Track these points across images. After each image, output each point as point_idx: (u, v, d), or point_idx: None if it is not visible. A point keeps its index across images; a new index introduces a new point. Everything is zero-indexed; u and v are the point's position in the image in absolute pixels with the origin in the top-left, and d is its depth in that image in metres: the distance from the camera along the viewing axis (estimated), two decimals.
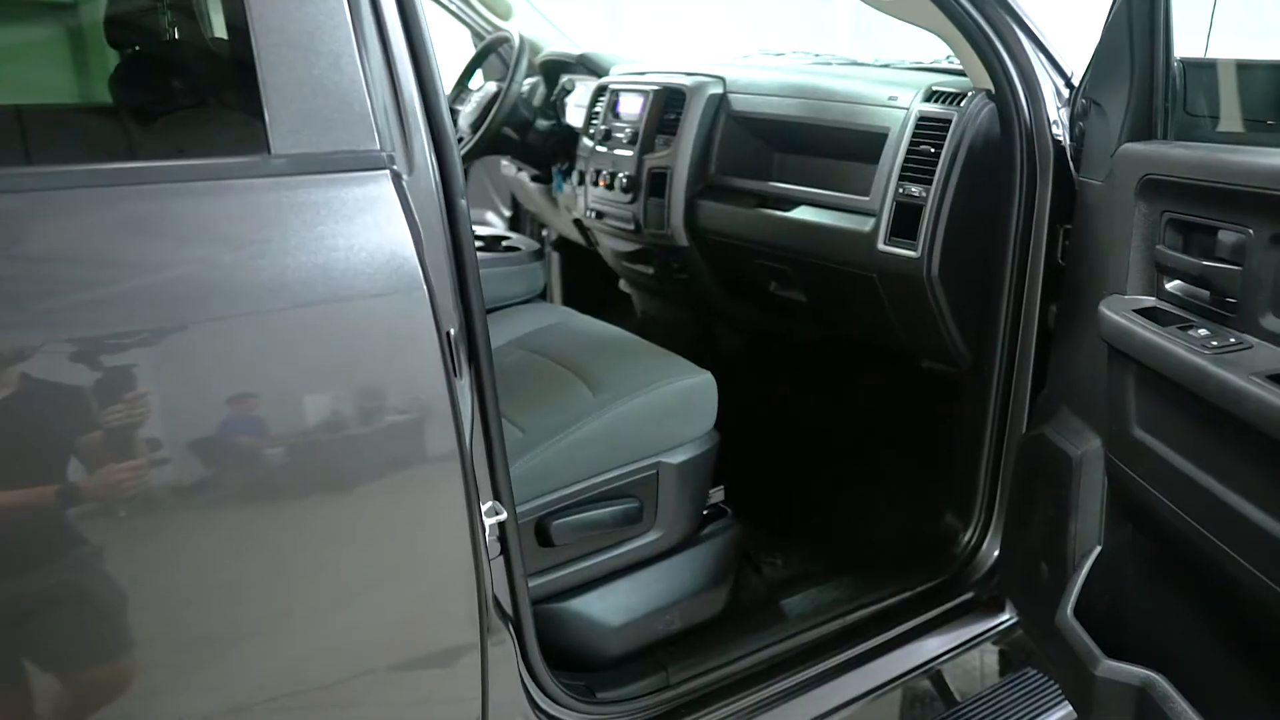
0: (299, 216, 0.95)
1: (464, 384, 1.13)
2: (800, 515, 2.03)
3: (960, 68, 1.93)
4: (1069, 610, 1.39)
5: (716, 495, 1.71)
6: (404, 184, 1.01)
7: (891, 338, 1.87)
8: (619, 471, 1.52)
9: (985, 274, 1.70)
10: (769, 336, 2.34)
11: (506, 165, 2.86)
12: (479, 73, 2.74)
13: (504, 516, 1.20)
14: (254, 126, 0.95)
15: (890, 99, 1.75)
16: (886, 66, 2.10)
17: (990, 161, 1.64)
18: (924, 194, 1.64)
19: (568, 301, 3.07)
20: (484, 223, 3.30)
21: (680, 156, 2.07)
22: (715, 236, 2.07)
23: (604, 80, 2.38)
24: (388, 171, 1.00)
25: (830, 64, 2.21)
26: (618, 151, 2.22)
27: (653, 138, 2.14)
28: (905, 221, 1.67)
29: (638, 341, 1.77)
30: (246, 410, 0.94)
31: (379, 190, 0.99)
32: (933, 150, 1.64)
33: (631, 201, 2.18)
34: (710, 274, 2.18)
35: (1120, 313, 1.31)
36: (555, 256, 3.13)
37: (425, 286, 1.01)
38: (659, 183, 2.12)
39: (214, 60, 1.46)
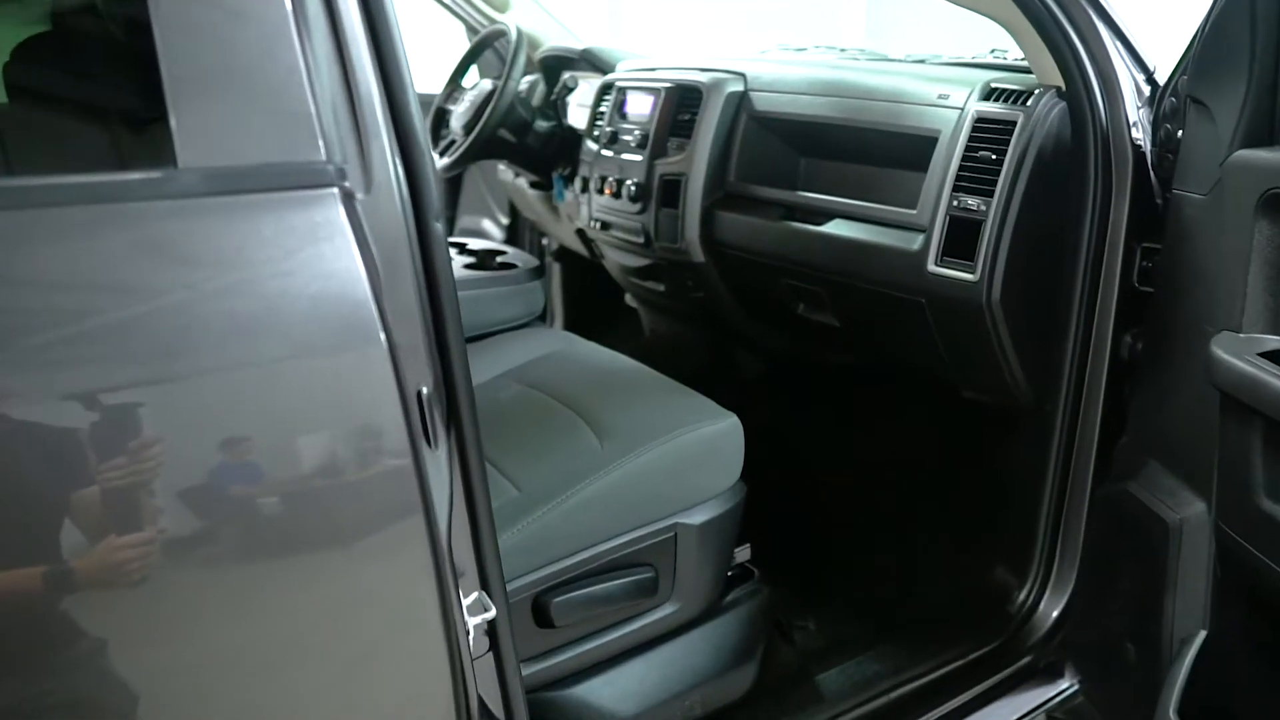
0: (213, 252, 0.70)
1: (440, 454, 0.88)
2: (833, 569, 1.78)
3: (1013, 63, 1.69)
4: (1171, 711, 1.14)
5: (742, 554, 1.46)
6: (358, 205, 0.77)
7: (937, 367, 1.62)
8: (631, 536, 1.27)
9: (1051, 299, 1.46)
10: (793, 360, 2.09)
11: (503, 170, 2.61)
12: (474, 70, 2.50)
13: (492, 614, 0.96)
14: (153, 132, 0.70)
15: (941, 97, 1.51)
16: (921, 62, 1.85)
17: (1060, 170, 1.39)
18: (983, 207, 1.40)
19: (570, 316, 2.82)
20: (479, 232, 3.05)
21: (695, 162, 1.82)
22: (735, 252, 1.82)
23: (610, 77, 2.13)
24: (335, 190, 0.75)
25: (858, 59, 1.97)
26: (625, 156, 1.97)
27: (664, 141, 1.89)
28: (961, 239, 1.43)
29: (649, 375, 1.53)
30: (137, 506, 0.69)
31: (323, 214, 0.74)
32: (994, 157, 1.39)
33: (640, 212, 1.93)
34: (729, 293, 1.93)
35: (1242, 357, 1.06)
36: (556, 268, 2.88)
37: (384, 339, 0.77)
38: (671, 191, 1.87)
39: (107, 44, 1.20)
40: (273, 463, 0.74)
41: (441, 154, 2.29)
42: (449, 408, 0.90)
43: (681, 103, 1.88)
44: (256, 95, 0.73)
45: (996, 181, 1.38)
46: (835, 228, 1.62)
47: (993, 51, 1.84)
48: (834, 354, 1.93)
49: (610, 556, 1.26)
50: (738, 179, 1.82)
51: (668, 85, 1.91)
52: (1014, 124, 1.38)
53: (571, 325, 2.87)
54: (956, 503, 1.77)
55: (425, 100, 2.60)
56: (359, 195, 0.77)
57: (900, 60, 1.93)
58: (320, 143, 0.75)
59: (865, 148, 1.65)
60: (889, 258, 1.52)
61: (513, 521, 1.19)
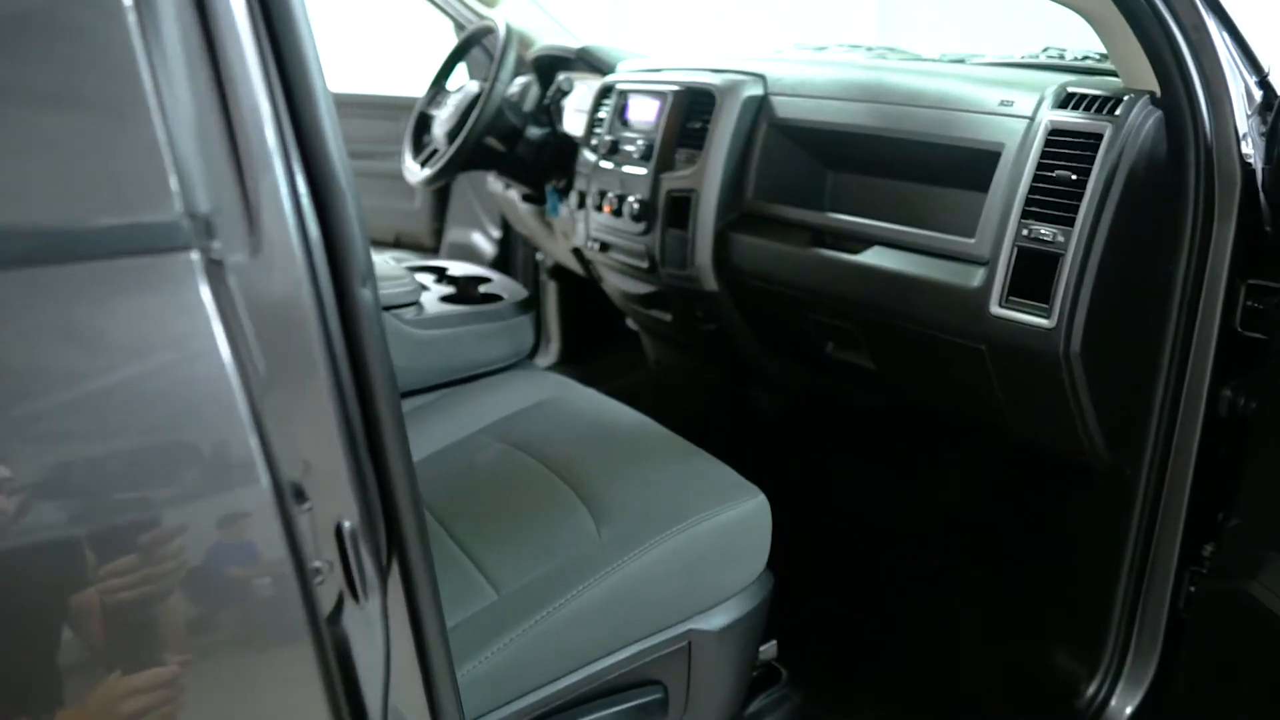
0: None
1: (372, 609, 0.63)
2: (866, 654, 1.52)
3: (1081, 63, 1.43)
4: None
5: (768, 651, 1.21)
6: (230, 275, 0.51)
7: (991, 416, 1.37)
8: (636, 649, 1.02)
9: (1138, 345, 1.20)
10: (817, 398, 1.83)
11: (493, 181, 2.35)
12: (462, 71, 2.24)
13: None
14: None
15: (1003, 104, 1.25)
16: (960, 62, 1.60)
17: (1155, 193, 1.14)
18: (1060, 238, 1.14)
19: (567, 340, 2.57)
20: (468, 247, 2.79)
21: (708, 176, 1.57)
22: (753, 281, 1.56)
23: (609, 79, 1.87)
24: (193, 255, 0.50)
25: (886, 58, 1.71)
26: (627, 169, 1.71)
27: (672, 152, 1.63)
28: (1032, 275, 1.17)
29: (658, 434, 1.27)
30: None
31: (173, 294, 0.49)
32: (1074, 177, 1.14)
33: (644, 232, 1.67)
34: (745, 326, 1.67)
35: None
36: (552, 287, 2.63)
37: (265, 473, 0.51)
38: (680, 209, 1.61)
39: None
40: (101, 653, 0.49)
41: (423, 164, 2.03)
42: (392, 539, 0.65)
43: (691, 108, 1.62)
44: (73, 119, 0.48)
45: (1078, 207, 1.13)
46: (874, 257, 1.36)
47: (1045, 51, 1.58)
48: (865, 394, 1.68)
49: (610, 676, 1.00)
50: (756, 197, 1.56)
51: (675, 88, 1.65)
52: (1099, 137, 1.12)
53: (569, 350, 2.62)
54: (1012, 572, 1.52)
55: (406, 104, 2.35)
56: (234, 259, 0.52)
57: (935, 60, 1.68)
58: (172, 184, 0.49)
59: (909, 162, 1.39)
60: (941, 295, 1.27)
61: (490, 639, 0.93)
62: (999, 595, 1.52)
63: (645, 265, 1.69)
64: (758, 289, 1.56)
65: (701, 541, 1.04)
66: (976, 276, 1.22)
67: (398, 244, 2.97)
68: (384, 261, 1.51)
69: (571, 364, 2.66)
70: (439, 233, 2.86)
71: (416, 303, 1.45)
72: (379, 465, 0.62)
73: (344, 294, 0.60)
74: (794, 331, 1.59)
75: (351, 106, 2.98)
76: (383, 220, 2.95)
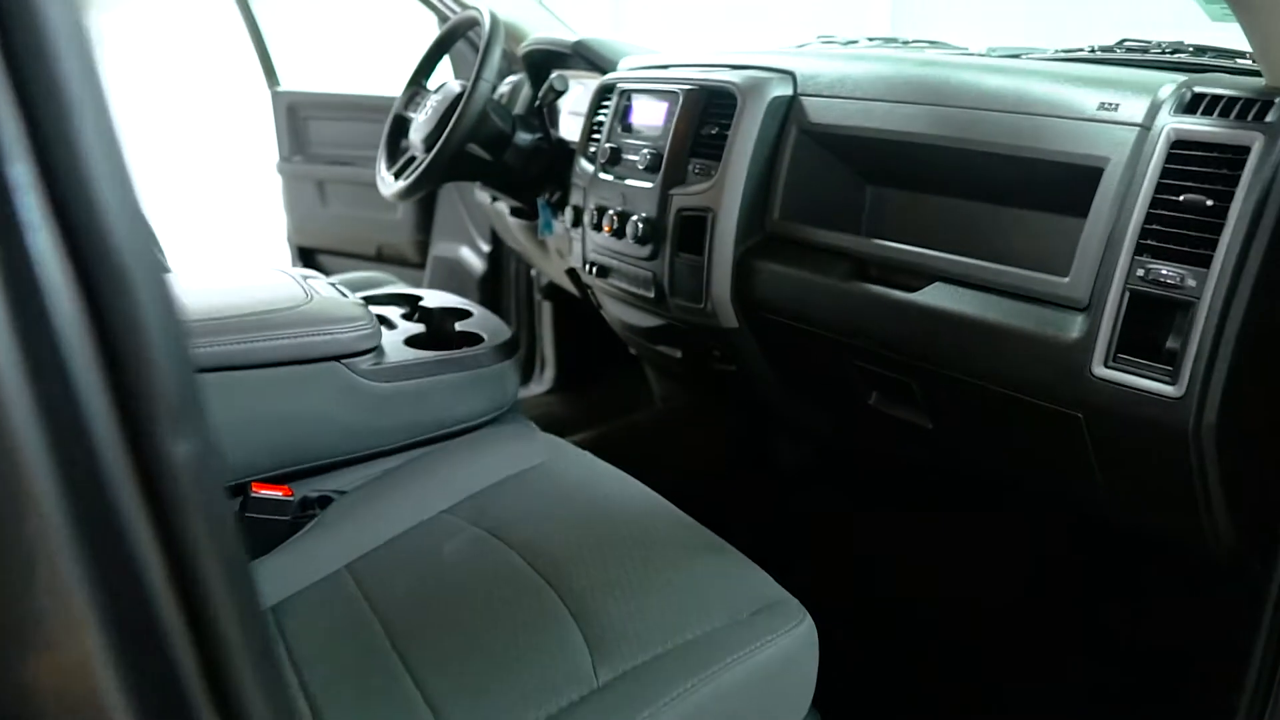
0: None
1: None
2: None
3: (1189, 59, 1.16)
4: None
5: None
6: None
7: (1083, 492, 1.10)
8: None
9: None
10: (853, 452, 1.57)
11: (480, 192, 2.09)
12: (446, 69, 1.98)
13: None
14: None
15: (1104, 106, 0.98)
16: (1015, 57, 1.33)
17: None
18: (1190, 281, 0.87)
19: (563, 367, 2.31)
20: (455, 261, 2.53)
21: (727, 192, 1.30)
22: (781, 318, 1.30)
23: (610, 77, 1.60)
24: None
25: (924, 52, 1.45)
26: (631, 182, 1.45)
27: (683, 163, 1.37)
28: (1150, 327, 0.90)
29: (669, 520, 1.01)
30: None
31: None
32: (1209, 203, 0.87)
33: (650, 257, 1.41)
34: (770, 370, 1.41)
35: None
36: (546, 307, 2.36)
37: None
38: (693, 232, 1.35)
39: None
40: None
41: (397, 175, 1.77)
42: None
43: (707, 111, 1.36)
44: None
45: (1216, 241, 0.86)
46: (935, 296, 1.09)
47: (1122, 43, 1.32)
48: (917, 452, 1.41)
49: None
50: (784, 217, 1.29)
51: (688, 87, 1.38)
52: (1245, 150, 0.86)
53: (564, 378, 2.36)
54: (1094, 672, 1.25)
55: (386, 104, 2.09)
56: None
57: (986, 55, 1.41)
58: None
59: (978, 179, 1.12)
60: (1025, 347, 1.00)
61: None
62: (1083, 701, 1.25)
63: (651, 295, 1.43)
64: (786, 327, 1.30)
65: (733, 691, 0.77)
66: (1074, 326, 0.96)
67: (379, 258, 2.70)
68: (335, 297, 1.24)
69: (567, 392, 2.40)
70: (424, 245, 2.60)
71: (376, 348, 1.18)
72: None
73: (143, 452, 0.33)
74: (830, 378, 1.32)
75: (328, 108, 2.72)
76: (364, 231, 2.68)
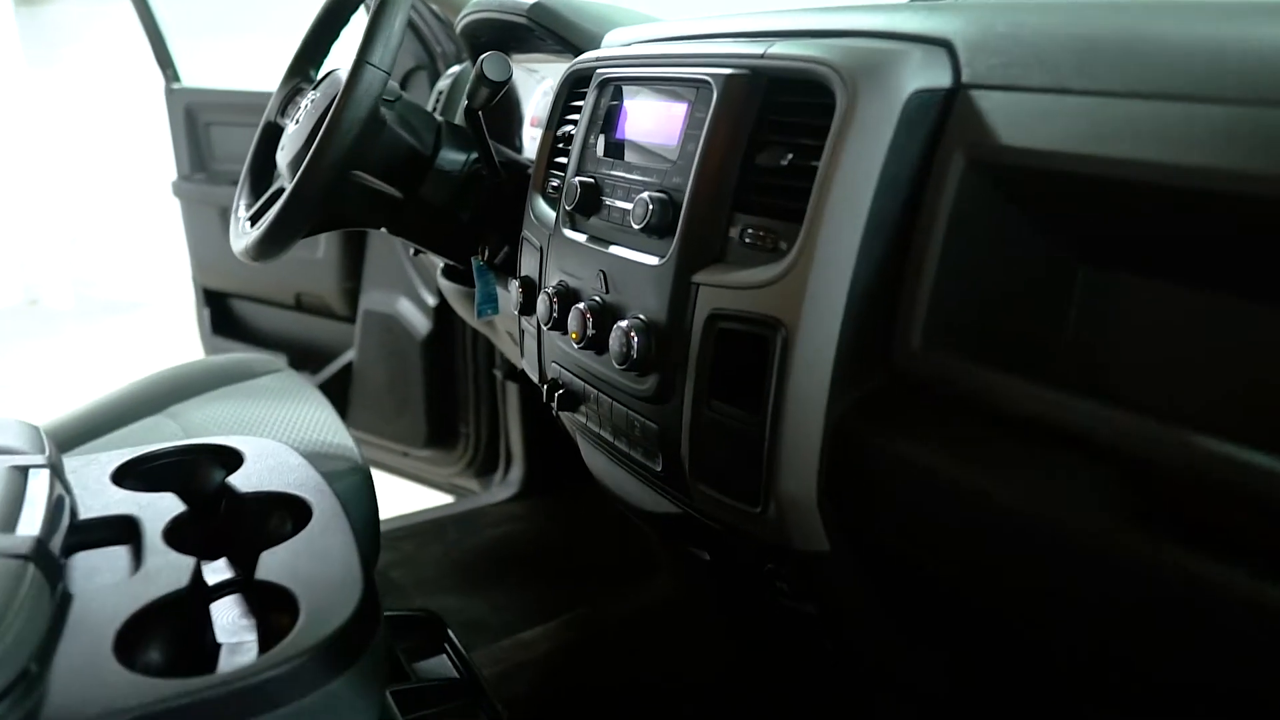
0: None
1: None
2: None
3: None
4: None
5: None
6: None
7: None
8: None
9: None
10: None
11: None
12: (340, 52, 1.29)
13: None
14: None
15: None
16: None
17: None
18: None
19: (531, 463, 1.64)
20: (390, 317, 1.84)
21: (815, 285, 0.61)
22: (923, 551, 0.60)
23: (585, 59, 0.90)
24: None
25: None
26: (620, 250, 0.76)
27: (722, 220, 0.68)
28: None
29: None
30: None
31: None
32: None
33: (654, 399, 0.72)
34: (883, 618, 0.71)
35: None
36: (512, 389, 1.69)
37: None
38: (743, 359, 0.65)
39: None
40: None
41: (253, 219, 1.08)
42: None
43: (769, 119, 0.67)
44: None
45: None
46: None
47: None
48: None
49: None
50: (931, 344, 0.60)
51: (730, 71, 0.69)
52: None
53: (532, 478, 1.69)
54: None
55: (259, 103, 1.40)
56: None
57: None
58: None
59: None
60: None
61: None
62: None
63: (656, 468, 0.74)
64: (928, 570, 0.61)
65: None
66: None
67: (299, 306, 2.01)
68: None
69: (539, 498, 1.72)
70: (353, 294, 1.91)
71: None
72: None
73: None
74: (990, 645, 0.63)
75: (236, 110, 2.04)
76: (279, 274, 1.99)
